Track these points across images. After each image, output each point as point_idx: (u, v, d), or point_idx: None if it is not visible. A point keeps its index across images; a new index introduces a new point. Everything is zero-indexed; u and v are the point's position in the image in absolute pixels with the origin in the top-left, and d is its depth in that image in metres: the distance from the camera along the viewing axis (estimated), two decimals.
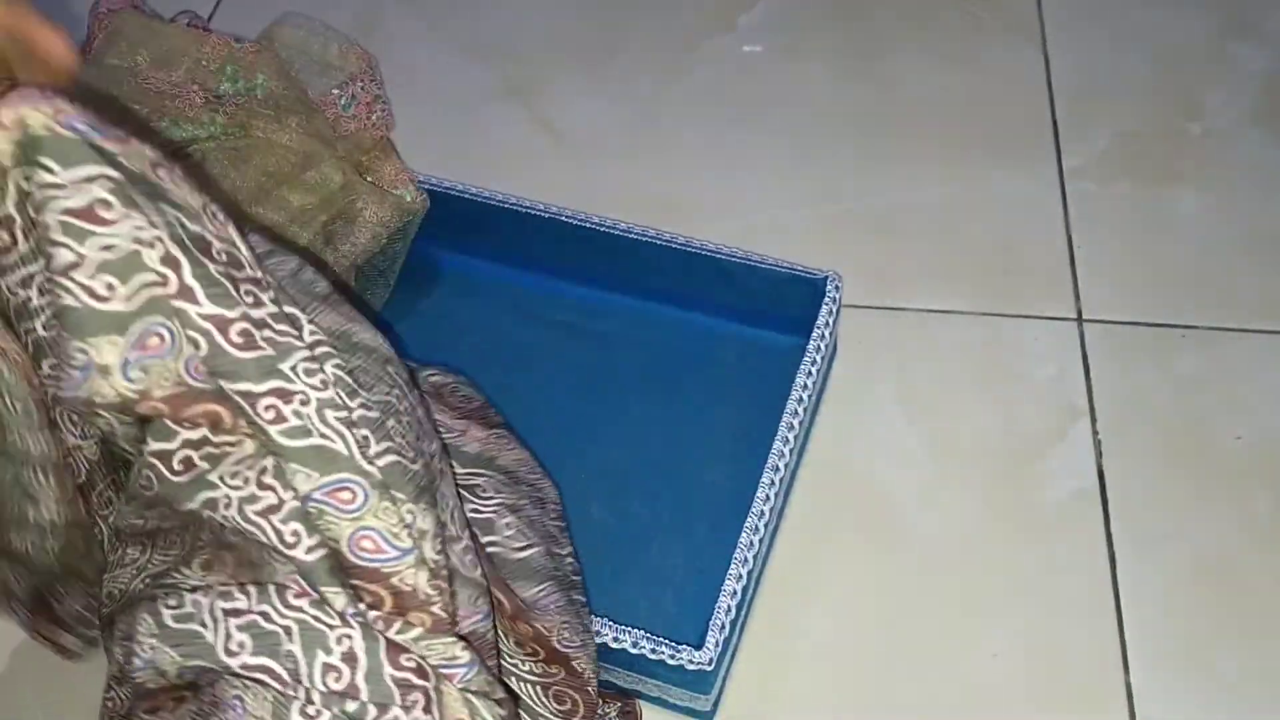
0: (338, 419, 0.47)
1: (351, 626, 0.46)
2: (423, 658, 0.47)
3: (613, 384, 0.75)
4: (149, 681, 0.47)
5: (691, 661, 0.58)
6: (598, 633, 0.60)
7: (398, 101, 0.80)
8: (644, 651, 0.59)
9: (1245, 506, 0.70)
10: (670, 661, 0.59)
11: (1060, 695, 0.63)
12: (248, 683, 0.46)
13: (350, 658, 0.46)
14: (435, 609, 0.48)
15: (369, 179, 0.75)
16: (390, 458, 0.48)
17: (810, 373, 0.68)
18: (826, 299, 0.71)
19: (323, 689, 0.46)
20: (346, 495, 0.46)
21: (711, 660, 0.58)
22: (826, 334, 0.70)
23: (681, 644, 0.59)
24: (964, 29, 0.96)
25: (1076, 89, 0.92)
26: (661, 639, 0.59)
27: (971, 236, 0.83)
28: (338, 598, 0.47)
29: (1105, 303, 0.79)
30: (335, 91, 0.76)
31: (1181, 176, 0.86)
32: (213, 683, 0.46)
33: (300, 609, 0.46)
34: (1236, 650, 0.64)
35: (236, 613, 0.46)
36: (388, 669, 0.46)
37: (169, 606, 0.47)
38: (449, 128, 0.91)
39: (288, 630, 0.46)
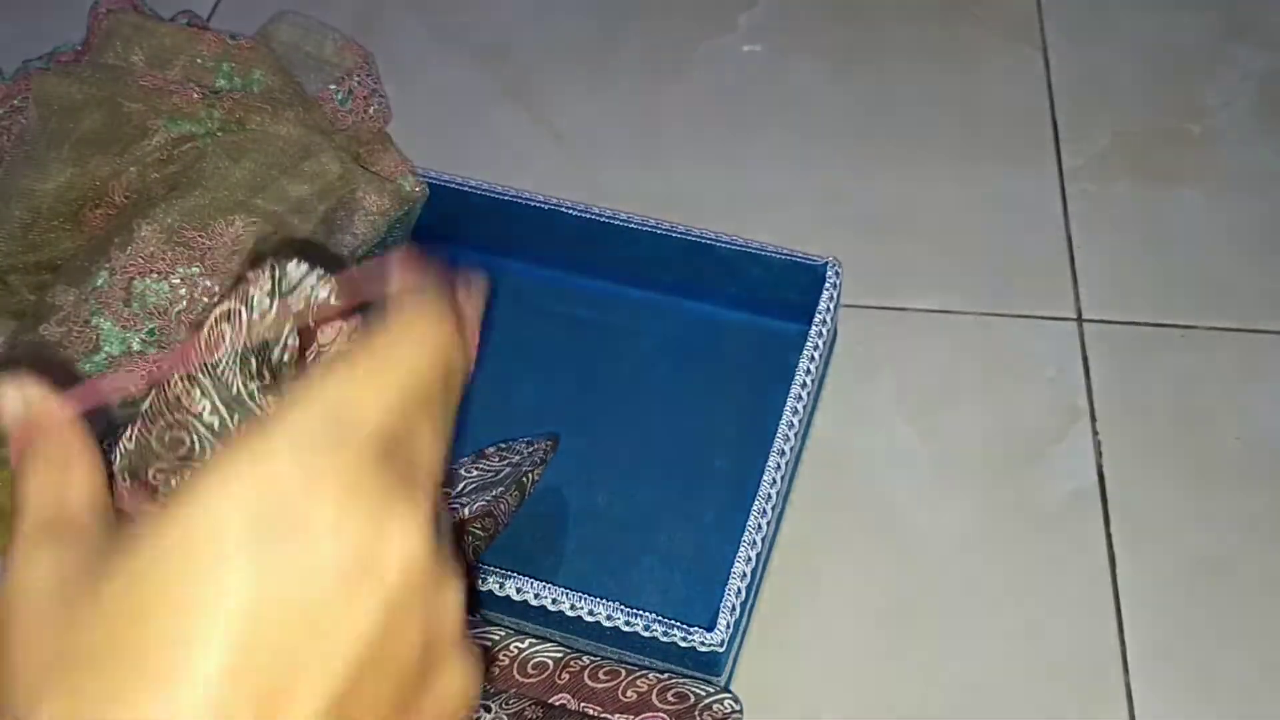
0: None
1: None
2: None
3: (615, 374, 0.76)
4: None
5: (703, 643, 0.58)
6: (609, 617, 0.60)
7: (396, 101, 0.80)
8: (655, 635, 0.59)
9: (1245, 506, 0.70)
10: (682, 644, 0.59)
11: (1060, 695, 0.63)
12: None
13: None
14: None
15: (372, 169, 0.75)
16: None
17: (813, 357, 0.68)
18: (827, 285, 0.71)
19: None
20: None
21: (723, 642, 0.58)
22: (828, 319, 0.70)
23: (693, 626, 0.59)
24: (964, 29, 0.96)
25: (1076, 89, 0.91)
26: (673, 622, 0.59)
27: (971, 236, 0.83)
28: None
29: (1105, 303, 0.79)
30: (332, 87, 0.76)
31: (1181, 176, 0.86)
32: None
33: None
34: (1236, 650, 0.64)
35: None
36: None
37: None
38: (448, 127, 0.91)
39: None
